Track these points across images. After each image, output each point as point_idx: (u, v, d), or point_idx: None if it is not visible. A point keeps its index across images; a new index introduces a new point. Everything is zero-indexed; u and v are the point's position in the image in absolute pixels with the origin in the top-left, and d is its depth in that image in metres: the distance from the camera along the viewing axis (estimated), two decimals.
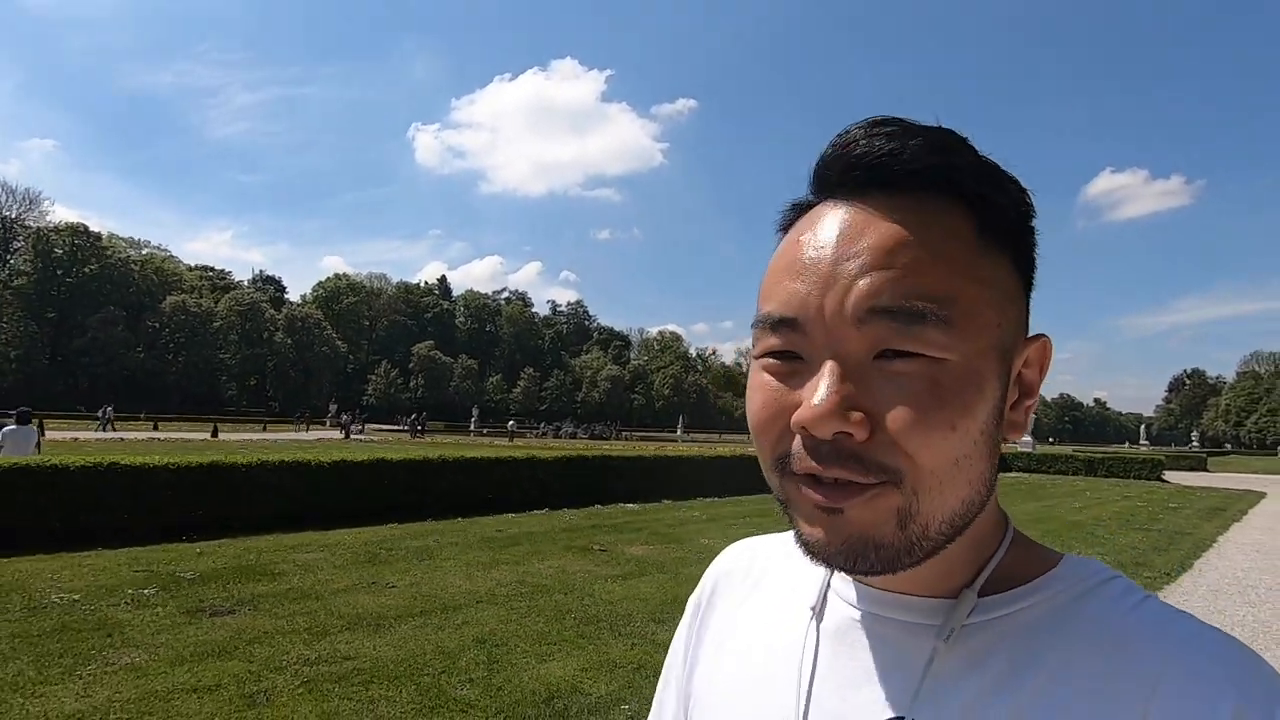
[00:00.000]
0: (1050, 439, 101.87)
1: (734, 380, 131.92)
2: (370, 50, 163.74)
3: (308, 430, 43.74)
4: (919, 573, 0.41)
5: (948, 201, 0.39)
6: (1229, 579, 7.66)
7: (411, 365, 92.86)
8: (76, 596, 5.03)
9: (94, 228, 75.76)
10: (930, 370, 0.37)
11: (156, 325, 74.54)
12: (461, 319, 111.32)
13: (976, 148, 0.41)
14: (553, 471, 11.41)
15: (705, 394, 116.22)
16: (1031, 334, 0.43)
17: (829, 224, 0.40)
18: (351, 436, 36.72)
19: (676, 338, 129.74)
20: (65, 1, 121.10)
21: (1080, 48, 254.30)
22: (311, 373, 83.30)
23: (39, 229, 71.89)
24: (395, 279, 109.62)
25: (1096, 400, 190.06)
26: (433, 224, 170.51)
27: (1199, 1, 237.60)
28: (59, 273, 71.83)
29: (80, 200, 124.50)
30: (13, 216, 72.46)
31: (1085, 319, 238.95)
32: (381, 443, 33.46)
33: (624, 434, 59.82)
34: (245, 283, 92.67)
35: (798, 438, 0.38)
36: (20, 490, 6.72)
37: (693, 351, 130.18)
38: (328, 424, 49.64)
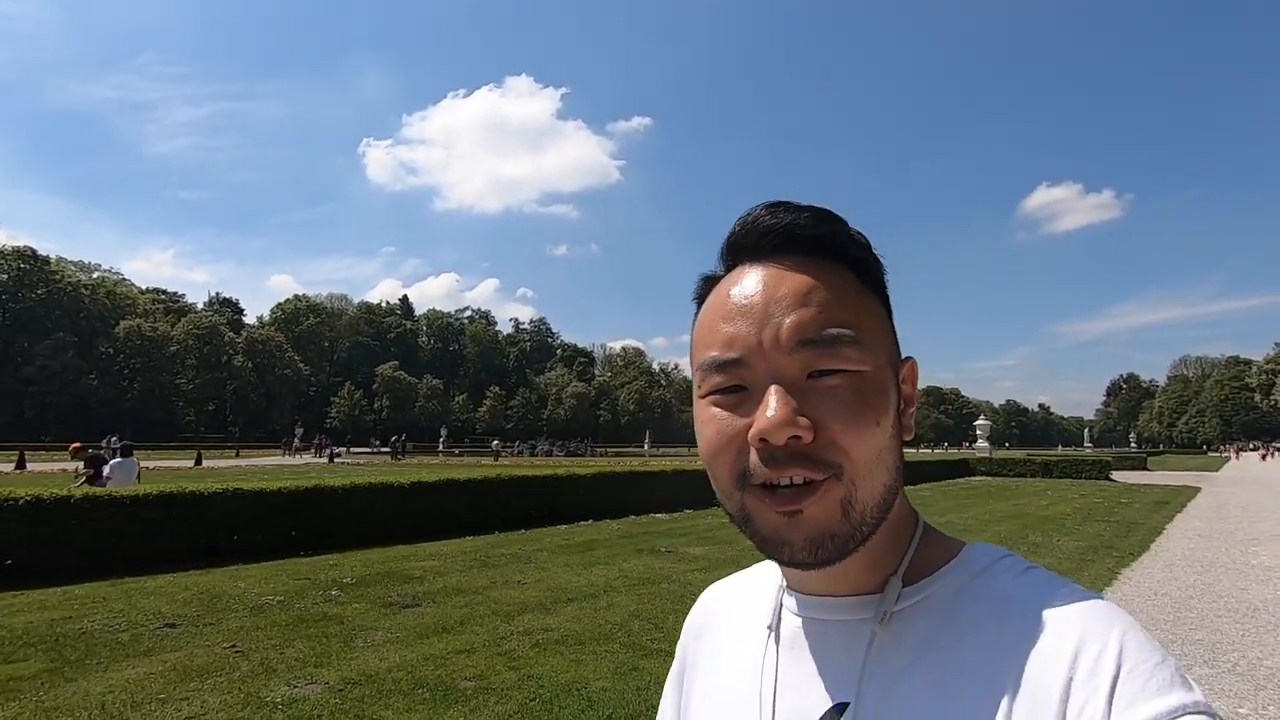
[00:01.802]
0: (1005, 444, 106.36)
1: None
2: (318, 65, 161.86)
3: (294, 455, 43.44)
4: (851, 574, 0.52)
5: (835, 261, 0.51)
6: (1179, 556, 9.33)
7: (376, 386, 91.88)
8: (280, 598, 6.03)
9: (31, 249, 72.87)
10: (853, 381, 0.47)
11: (110, 351, 72.40)
12: (425, 338, 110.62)
13: (848, 222, 0.54)
14: (590, 487, 12.57)
15: (669, 409, 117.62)
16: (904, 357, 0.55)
17: (752, 279, 0.51)
18: (335, 460, 36.90)
19: (639, 353, 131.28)
20: None
21: (1013, 66, 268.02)
22: (273, 396, 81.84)
23: None
24: (352, 298, 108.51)
25: (1040, 405, 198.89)
26: (386, 241, 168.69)
27: (1126, 24, 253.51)
28: (3, 298, 69.33)
29: (11, 219, 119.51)
30: None
31: (1027, 326, 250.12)
32: (368, 466, 33.85)
33: (598, 450, 60.75)
34: (200, 305, 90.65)
35: (753, 452, 0.47)
36: (172, 516, 7.62)
37: (655, 366, 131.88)
38: (288, 448, 47.93)
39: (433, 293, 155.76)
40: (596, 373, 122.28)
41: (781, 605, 0.57)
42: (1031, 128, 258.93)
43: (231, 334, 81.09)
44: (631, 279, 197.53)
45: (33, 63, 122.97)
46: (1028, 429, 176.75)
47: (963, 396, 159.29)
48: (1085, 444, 60.34)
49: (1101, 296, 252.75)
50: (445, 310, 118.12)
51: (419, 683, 4.06)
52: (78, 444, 13.23)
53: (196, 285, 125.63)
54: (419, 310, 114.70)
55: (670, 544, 9.39)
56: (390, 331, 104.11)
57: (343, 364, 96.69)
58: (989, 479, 26.77)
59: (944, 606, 0.50)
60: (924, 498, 17.77)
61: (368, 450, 57.47)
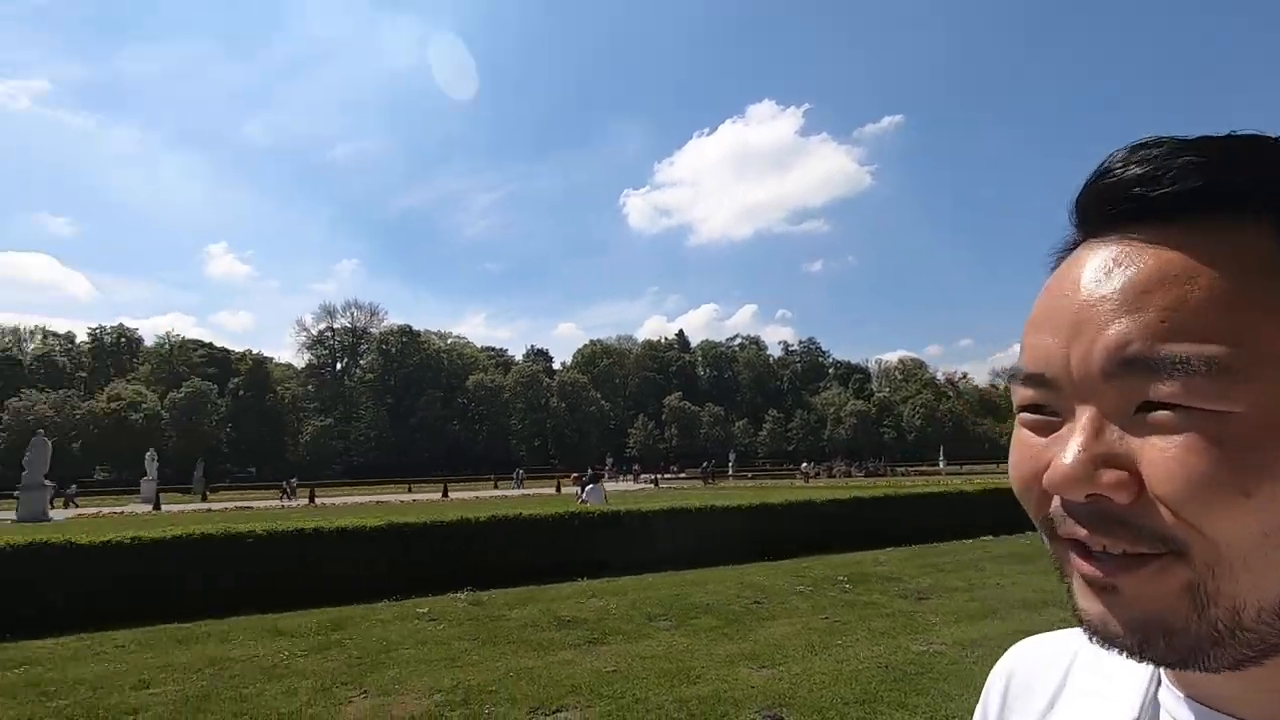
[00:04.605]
0: None
1: (992, 404, 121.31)
2: (583, 137, 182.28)
3: (612, 481, 49.44)
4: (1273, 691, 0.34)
5: (1235, 224, 0.33)
6: None
7: (664, 416, 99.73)
8: (810, 587, 7.71)
9: (409, 325, 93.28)
10: (1206, 426, 0.30)
11: (465, 401, 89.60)
12: (701, 369, 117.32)
13: None
14: (977, 502, 12.88)
15: (962, 421, 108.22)
16: None
17: (1078, 268, 0.36)
18: (659, 485, 41.26)
19: (919, 364, 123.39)
20: (355, 151, 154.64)
21: None
22: (583, 432, 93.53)
23: (380, 333, 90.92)
24: (636, 338, 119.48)
25: None
26: (649, 282, 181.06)
27: None
28: (395, 366, 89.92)
29: (382, 302, 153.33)
30: (362, 326, 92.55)
31: None
32: (690, 490, 37.30)
33: (897, 470, 58.46)
34: (519, 357, 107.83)
35: (1056, 499, 0.35)
36: (673, 526, 10.00)
37: (940, 377, 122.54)
38: (610, 475, 54.76)
39: (694, 324, 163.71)
40: (874, 389, 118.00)
41: (1157, 702, 0.41)
42: None
43: (547, 379, 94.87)
44: (895, 287, 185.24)
45: (383, 181, 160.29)
46: None
47: None
48: None
49: None
50: (715, 340, 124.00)
51: None
52: (576, 474, 17.29)
53: (501, 340, 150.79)
54: (691, 342, 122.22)
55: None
56: (671, 365, 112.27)
57: (634, 398, 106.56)
58: None
59: None
60: None
61: (669, 476, 62.57)
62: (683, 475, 60.20)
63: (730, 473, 61.10)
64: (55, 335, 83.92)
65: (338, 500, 33.20)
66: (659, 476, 44.42)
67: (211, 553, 7.47)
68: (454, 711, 4.16)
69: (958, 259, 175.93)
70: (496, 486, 47.03)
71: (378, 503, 29.56)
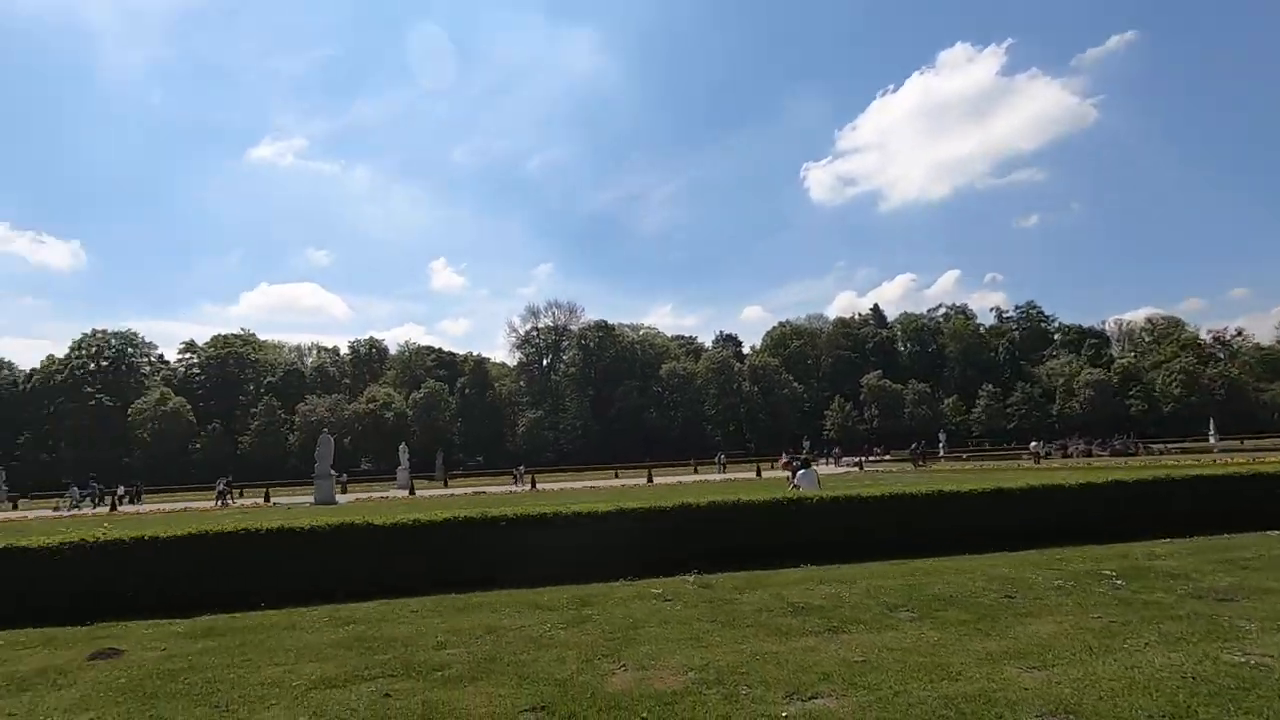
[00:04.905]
0: None
1: (1278, 365, 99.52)
2: (756, 113, 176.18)
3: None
4: None
5: None
6: None
7: (862, 396, 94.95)
8: (1070, 581, 6.92)
9: (604, 320, 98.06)
10: None
11: (659, 390, 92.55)
12: (901, 344, 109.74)
13: None
14: (1206, 492, 10.50)
15: (1239, 388, 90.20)
16: None
17: None
18: (864, 469, 39.45)
19: (1174, 323, 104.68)
20: (546, 161, 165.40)
21: None
22: (777, 415, 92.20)
23: (579, 330, 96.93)
24: (828, 316, 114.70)
25: None
26: (835, 256, 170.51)
27: None
28: (593, 360, 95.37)
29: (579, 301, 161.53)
30: (563, 323, 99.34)
31: None
32: (899, 473, 35.16)
33: (1154, 446, 50.21)
34: (709, 344, 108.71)
35: None
36: (892, 513, 9.50)
37: (1205, 335, 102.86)
38: (791, 462, 53.44)
39: (889, 297, 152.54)
40: (1114, 354, 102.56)
41: None
42: None
43: (737, 364, 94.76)
44: (1134, 235, 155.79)
45: (571, 187, 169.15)
46: None
47: None
48: None
49: None
50: (915, 312, 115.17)
51: None
52: (785, 459, 17.40)
53: (689, 328, 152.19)
54: (887, 316, 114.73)
55: None
56: (867, 342, 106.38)
57: (828, 379, 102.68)
58: None
59: None
60: None
61: (873, 459, 59.49)
62: (888, 457, 56.94)
63: (941, 454, 56.78)
64: (325, 350, 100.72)
65: (554, 485, 36.10)
66: (863, 459, 42.48)
67: (473, 533, 8.49)
68: (710, 690, 4.33)
69: (1219, 196, 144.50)
70: (696, 471, 48.05)
71: (590, 487, 31.68)
